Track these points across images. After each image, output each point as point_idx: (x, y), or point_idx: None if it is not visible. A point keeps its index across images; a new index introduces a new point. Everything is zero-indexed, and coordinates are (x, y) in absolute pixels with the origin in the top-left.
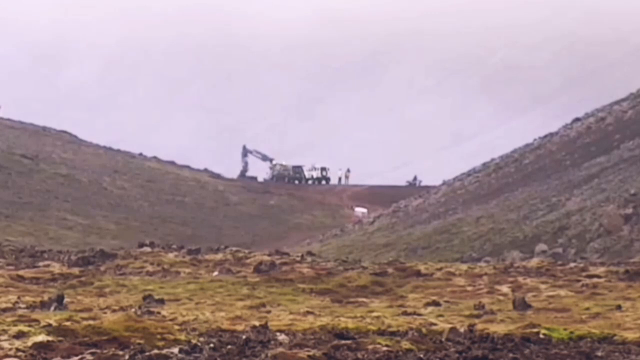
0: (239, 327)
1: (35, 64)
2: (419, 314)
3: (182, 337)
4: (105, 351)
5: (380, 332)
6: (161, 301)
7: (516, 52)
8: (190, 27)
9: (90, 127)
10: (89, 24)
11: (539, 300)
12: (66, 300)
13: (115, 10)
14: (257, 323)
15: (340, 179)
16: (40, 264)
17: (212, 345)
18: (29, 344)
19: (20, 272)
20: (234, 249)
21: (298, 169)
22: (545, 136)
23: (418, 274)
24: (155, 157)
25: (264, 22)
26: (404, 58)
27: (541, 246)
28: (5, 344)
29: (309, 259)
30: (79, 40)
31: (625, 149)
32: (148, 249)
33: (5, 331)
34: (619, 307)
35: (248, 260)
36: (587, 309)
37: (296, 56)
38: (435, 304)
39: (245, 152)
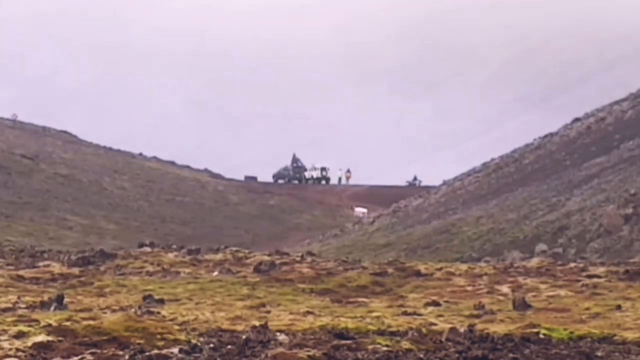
0: (239, 327)
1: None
2: (419, 314)
3: (182, 337)
4: (105, 351)
5: (380, 332)
6: (161, 301)
7: (516, 52)
8: (190, 27)
9: (90, 127)
10: (90, 23)
11: (539, 300)
12: (66, 300)
13: (116, 10)
14: (257, 323)
15: (340, 179)
16: (40, 264)
17: (212, 345)
18: (29, 344)
19: (20, 272)
20: (234, 249)
21: (298, 169)
22: (545, 136)
23: (418, 274)
24: (155, 157)
25: (262, 22)
26: (404, 57)
27: (541, 246)
28: (5, 344)
29: (309, 259)
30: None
31: (625, 149)
32: (148, 249)
33: (5, 331)
34: (619, 307)
35: (248, 260)
36: (587, 309)
37: (296, 55)
38: (435, 304)
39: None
